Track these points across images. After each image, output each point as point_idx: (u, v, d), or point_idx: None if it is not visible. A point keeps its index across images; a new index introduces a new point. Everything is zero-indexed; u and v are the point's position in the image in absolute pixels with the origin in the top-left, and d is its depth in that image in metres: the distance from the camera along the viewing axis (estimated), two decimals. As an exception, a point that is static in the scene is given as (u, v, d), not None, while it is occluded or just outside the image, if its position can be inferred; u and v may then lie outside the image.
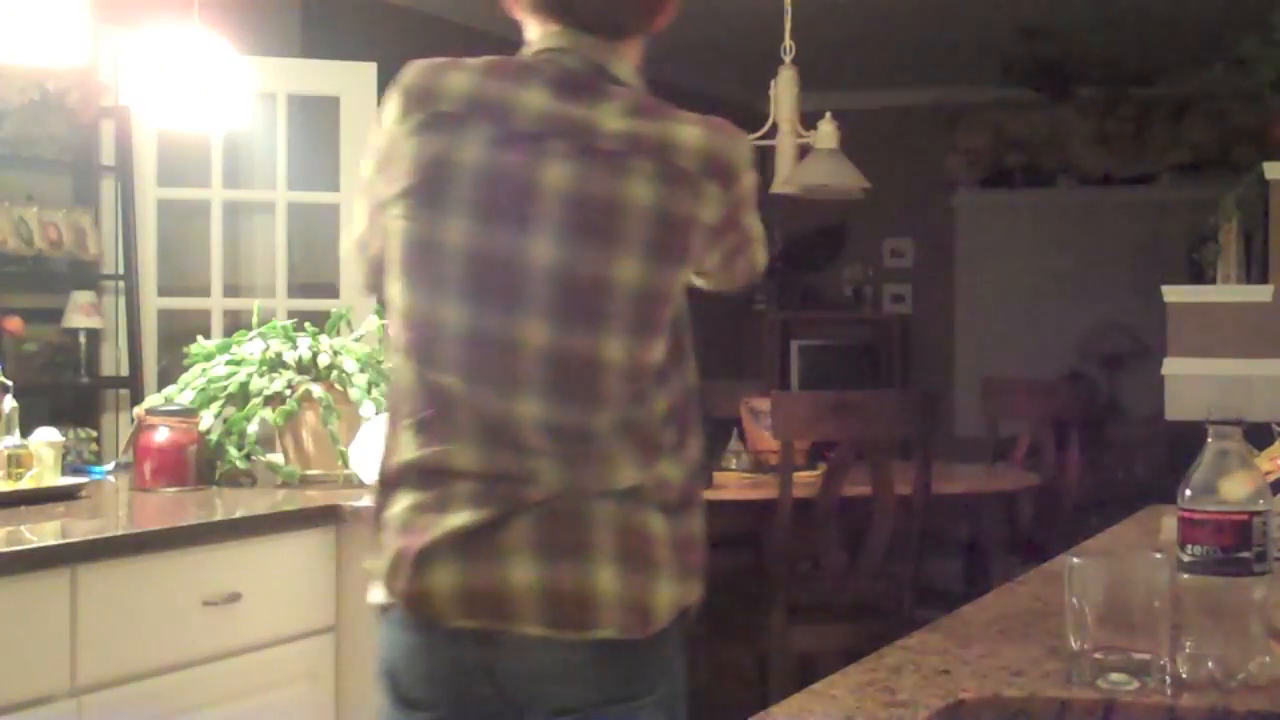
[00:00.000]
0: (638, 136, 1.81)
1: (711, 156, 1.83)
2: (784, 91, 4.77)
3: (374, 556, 1.83)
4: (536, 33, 1.90)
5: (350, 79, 5.46)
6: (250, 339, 3.26)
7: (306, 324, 3.35)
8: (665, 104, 1.86)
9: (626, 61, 1.89)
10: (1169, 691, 1.36)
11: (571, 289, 1.77)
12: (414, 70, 1.85)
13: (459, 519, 1.76)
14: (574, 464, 1.78)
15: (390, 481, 1.83)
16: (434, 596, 1.76)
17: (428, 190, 1.79)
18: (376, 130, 1.87)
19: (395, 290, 1.83)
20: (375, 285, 1.93)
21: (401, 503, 1.80)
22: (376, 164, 1.87)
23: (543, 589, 1.74)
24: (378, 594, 1.83)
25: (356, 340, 3.32)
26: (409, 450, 1.80)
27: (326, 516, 2.84)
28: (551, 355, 1.77)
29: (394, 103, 1.84)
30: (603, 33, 1.86)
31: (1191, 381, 5.73)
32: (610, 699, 1.78)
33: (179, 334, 4.83)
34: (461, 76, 1.82)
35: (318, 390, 3.14)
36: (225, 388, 3.16)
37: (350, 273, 2.05)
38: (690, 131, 1.83)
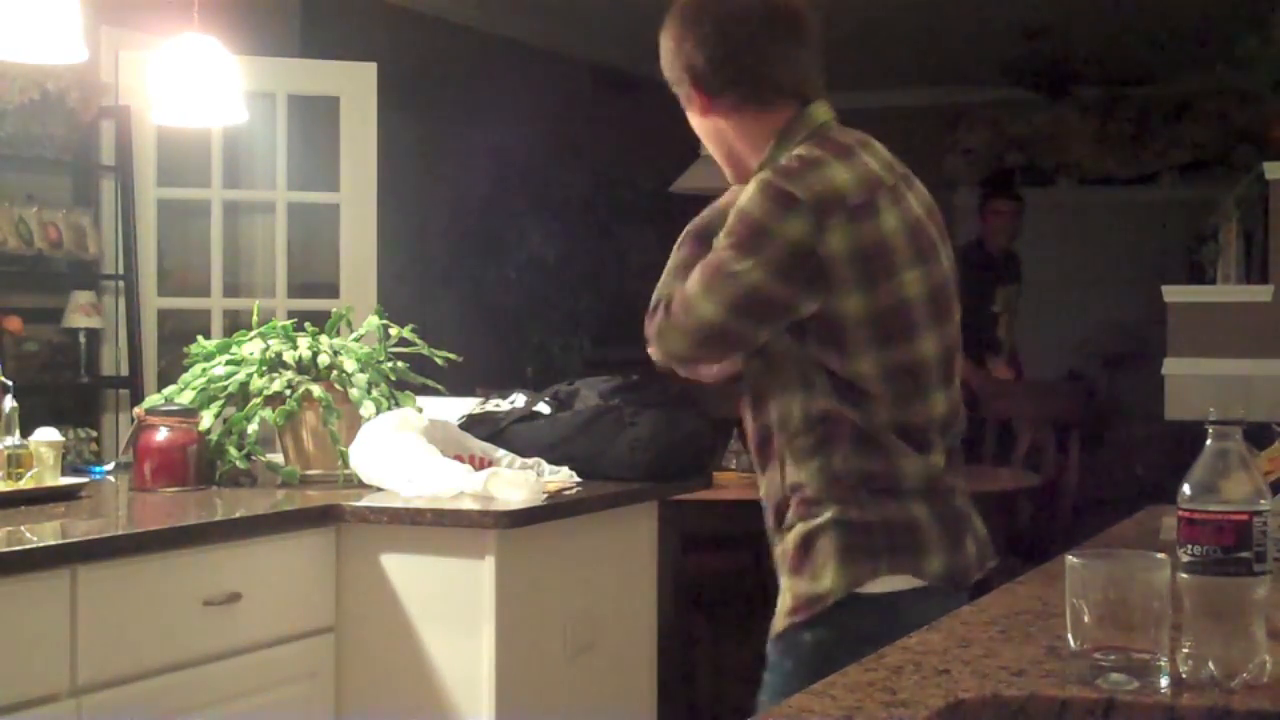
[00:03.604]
0: (895, 159, 2.24)
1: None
2: (784, 91, 4.76)
3: (854, 563, 2.15)
4: (790, 111, 2.21)
5: (350, 79, 5.46)
6: (250, 339, 3.26)
7: (306, 324, 3.35)
8: None
9: None
10: (1169, 691, 1.36)
11: (955, 283, 2.24)
12: (797, 184, 2.10)
13: (962, 505, 2.24)
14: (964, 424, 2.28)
15: (874, 494, 2.17)
16: (970, 564, 2.22)
17: (882, 265, 2.11)
18: (766, 244, 2.09)
19: (864, 364, 2.12)
20: (715, 361, 2.24)
21: (917, 513, 2.17)
22: (779, 272, 2.09)
23: (985, 536, 2.29)
24: (881, 584, 2.15)
25: (356, 340, 3.32)
26: (905, 478, 2.16)
27: (326, 516, 2.84)
28: (953, 353, 2.24)
29: (805, 218, 2.08)
30: (821, 95, 2.23)
31: (1191, 381, 5.73)
32: None
33: (179, 334, 4.84)
34: (838, 171, 2.12)
35: (318, 390, 3.14)
36: (225, 388, 3.16)
37: (692, 350, 2.21)
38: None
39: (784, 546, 2.22)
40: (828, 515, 2.16)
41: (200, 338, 3.34)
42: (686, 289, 2.16)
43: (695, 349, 2.19)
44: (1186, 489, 1.42)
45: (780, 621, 2.20)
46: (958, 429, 2.26)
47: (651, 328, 2.22)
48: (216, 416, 3.14)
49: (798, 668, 2.14)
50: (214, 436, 3.13)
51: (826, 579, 2.15)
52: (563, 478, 3.07)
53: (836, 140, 2.18)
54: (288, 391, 3.14)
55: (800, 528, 2.19)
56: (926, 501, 2.19)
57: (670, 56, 2.24)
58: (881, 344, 2.13)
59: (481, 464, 3.04)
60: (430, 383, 3.36)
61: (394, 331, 3.35)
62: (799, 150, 2.15)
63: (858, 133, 2.24)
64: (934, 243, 2.21)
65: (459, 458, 3.00)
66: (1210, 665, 1.38)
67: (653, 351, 2.24)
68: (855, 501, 2.16)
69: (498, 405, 3.35)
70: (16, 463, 2.83)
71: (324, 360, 3.19)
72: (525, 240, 7.45)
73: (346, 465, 3.07)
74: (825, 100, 2.24)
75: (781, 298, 2.11)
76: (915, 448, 2.17)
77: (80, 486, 2.97)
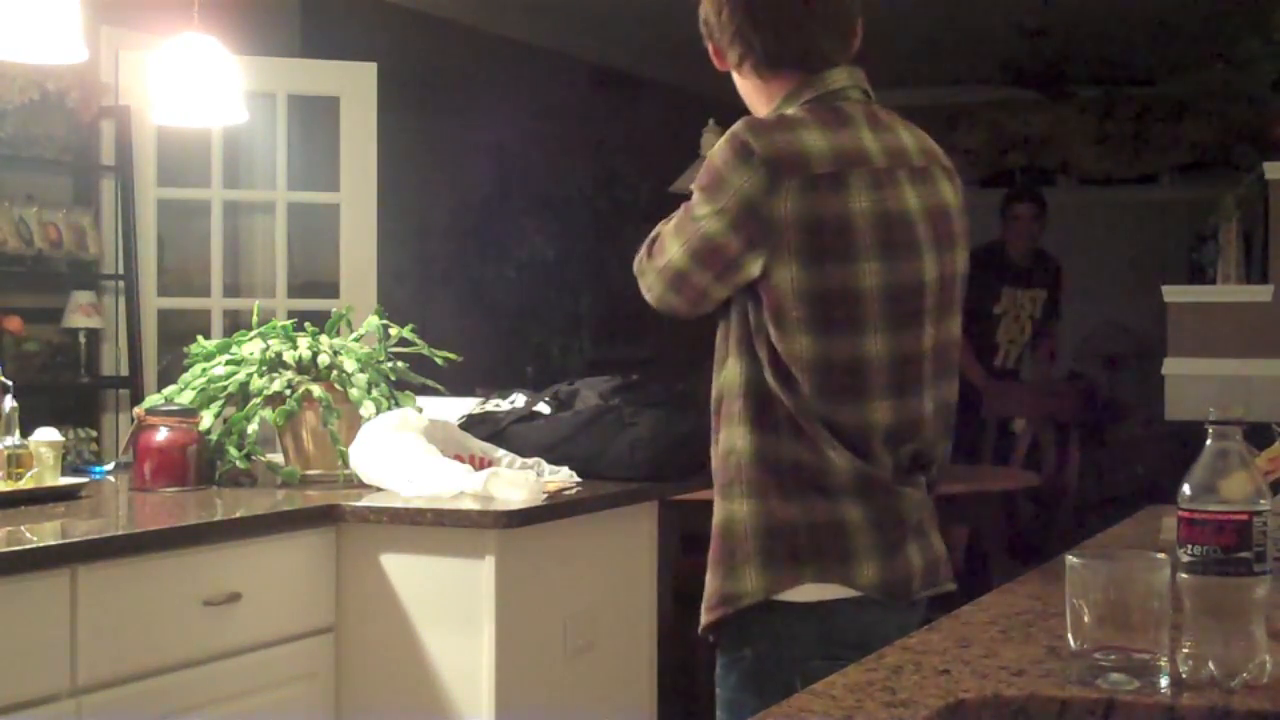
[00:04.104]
0: (922, 149, 2.15)
1: (939, 154, 2.20)
2: (784, 91, 4.76)
3: (779, 566, 2.06)
4: (796, 80, 2.14)
5: (350, 79, 5.46)
6: (250, 339, 3.26)
7: (306, 324, 3.35)
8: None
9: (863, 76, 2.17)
10: (1169, 691, 1.36)
11: (944, 291, 2.12)
12: (759, 138, 2.03)
13: (907, 510, 2.09)
14: (946, 441, 2.19)
15: (815, 492, 2.06)
16: (912, 577, 2.09)
17: (836, 244, 2.01)
18: (723, 193, 2.04)
19: (798, 346, 2.03)
20: (688, 312, 2.16)
21: (847, 513, 2.06)
22: (731, 223, 2.03)
23: (941, 555, 2.17)
24: (809, 592, 2.06)
25: (356, 340, 3.32)
26: (836, 473, 2.05)
27: (326, 516, 2.84)
28: (934, 353, 2.12)
29: (757, 173, 2.01)
30: (842, 64, 2.16)
31: (1191, 381, 5.73)
32: None
33: (179, 334, 4.84)
34: (812, 136, 2.04)
35: (318, 390, 3.14)
36: (225, 388, 3.16)
37: (664, 293, 2.17)
38: (923, 135, 2.18)
39: (714, 526, 2.16)
40: (748, 507, 2.08)
41: (200, 338, 3.35)
42: (664, 227, 2.16)
43: (665, 291, 2.15)
44: (1186, 489, 1.42)
45: (707, 615, 2.13)
46: (918, 445, 2.13)
47: (636, 264, 2.20)
48: (216, 416, 3.15)
49: (742, 681, 2.10)
50: (214, 436, 3.13)
51: (745, 580, 2.07)
52: (563, 478, 3.07)
53: (839, 108, 2.10)
54: (288, 391, 3.14)
55: (720, 516, 2.12)
56: (860, 500, 2.06)
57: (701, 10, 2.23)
58: (820, 330, 2.03)
59: (481, 464, 3.04)
60: (430, 383, 3.36)
61: (394, 331, 3.35)
62: (791, 110, 2.11)
63: (880, 110, 2.15)
64: (916, 242, 2.07)
65: (459, 458, 3.00)
66: (1210, 665, 1.38)
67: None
68: (779, 493, 2.06)
69: (498, 405, 3.36)
70: (16, 463, 2.83)
71: (324, 360, 3.20)
72: (525, 240, 7.45)
73: (346, 465, 3.07)
74: (850, 69, 2.16)
75: (730, 250, 2.04)
76: (849, 449, 2.06)
77: (80, 486, 2.97)
